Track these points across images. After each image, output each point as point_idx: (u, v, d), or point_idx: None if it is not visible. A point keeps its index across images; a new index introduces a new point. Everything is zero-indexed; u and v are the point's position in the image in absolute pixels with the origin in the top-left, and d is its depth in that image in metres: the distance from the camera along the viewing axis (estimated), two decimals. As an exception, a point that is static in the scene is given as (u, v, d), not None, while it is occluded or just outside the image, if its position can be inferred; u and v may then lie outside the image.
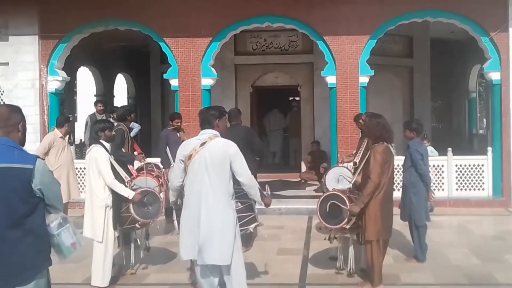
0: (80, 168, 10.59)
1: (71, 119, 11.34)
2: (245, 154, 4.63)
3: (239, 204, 4.61)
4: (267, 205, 4.91)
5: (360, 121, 7.64)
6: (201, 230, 4.31)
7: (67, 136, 8.49)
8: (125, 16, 10.83)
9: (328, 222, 5.74)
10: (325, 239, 6.38)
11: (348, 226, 5.62)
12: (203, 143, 4.42)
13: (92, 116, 11.68)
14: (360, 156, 7.59)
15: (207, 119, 4.58)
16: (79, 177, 10.56)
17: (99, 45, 15.17)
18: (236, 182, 4.52)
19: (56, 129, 8.40)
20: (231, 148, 4.43)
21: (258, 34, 13.65)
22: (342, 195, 5.68)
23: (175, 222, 4.93)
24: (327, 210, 5.71)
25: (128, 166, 6.75)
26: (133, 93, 18.97)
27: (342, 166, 7.60)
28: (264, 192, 4.91)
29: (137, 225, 6.00)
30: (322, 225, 5.96)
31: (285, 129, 16.12)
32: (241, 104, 13.68)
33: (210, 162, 4.36)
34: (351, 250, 6.14)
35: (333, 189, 6.37)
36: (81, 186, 10.34)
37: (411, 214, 6.73)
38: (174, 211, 4.97)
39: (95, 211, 5.72)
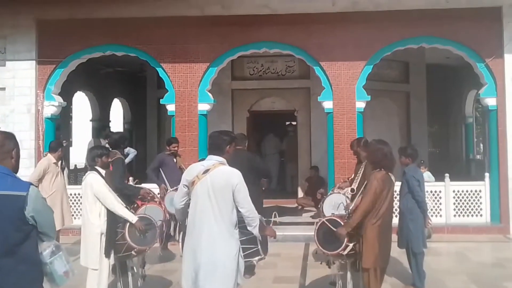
0: (75, 194, 10.51)
1: (64, 144, 11.29)
2: (249, 179, 4.54)
3: (243, 235, 4.47)
4: (270, 236, 4.69)
5: (358, 148, 7.62)
6: (201, 260, 4.20)
7: (60, 162, 8.40)
8: (123, 41, 10.88)
9: (326, 248, 5.68)
10: (321, 263, 6.31)
11: (345, 253, 5.56)
12: (207, 170, 4.31)
13: (96, 141, 11.66)
14: (357, 182, 7.54)
15: (219, 145, 4.44)
16: (73, 203, 10.48)
17: (95, 70, 15.23)
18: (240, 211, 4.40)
19: (49, 154, 8.27)
20: (234, 178, 4.29)
21: (255, 59, 13.71)
22: (339, 221, 5.63)
23: (180, 245, 4.80)
24: (325, 236, 5.66)
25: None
26: (129, 118, 18.97)
27: (339, 193, 7.53)
28: (272, 219, 4.73)
29: (133, 252, 5.88)
30: (319, 250, 5.89)
31: (281, 153, 16.07)
32: (238, 129, 13.65)
33: (212, 190, 4.25)
34: (348, 277, 6.05)
35: (332, 213, 6.32)
36: (75, 212, 10.28)
37: (409, 241, 6.67)
38: (180, 234, 4.83)
39: (90, 238, 5.64)
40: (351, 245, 5.49)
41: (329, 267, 6.35)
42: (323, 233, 5.68)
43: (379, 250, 5.41)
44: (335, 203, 7.05)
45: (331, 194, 7.77)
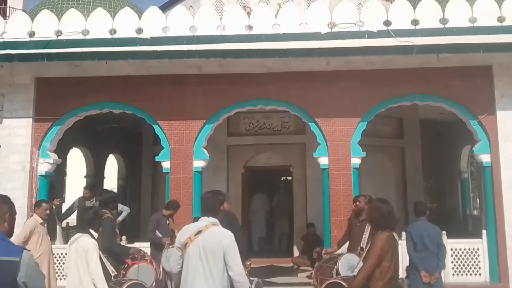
0: (61, 254, 10.25)
1: (58, 202, 11.12)
2: None
3: None
4: None
5: (357, 203, 7.72)
6: None
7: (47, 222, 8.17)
8: (120, 99, 10.97)
9: None
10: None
11: None
12: (199, 232, 4.30)
13: (80, 200, 11.47)
14: (365, 240, 7.57)
15: (213, 205, 4.51)
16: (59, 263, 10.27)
17: (91, 126, 15.25)
18: None
19: (35, 215, 7.96)
20: (225, 239, 4.28)
21: (251, 115, 13.82)
22: (343, 283, 5.58)
23: None
24: None
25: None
26: (124, 174, 18.77)
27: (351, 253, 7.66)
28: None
29: None
30: None
31: (270, 211, 15.78)
32: (233, 185, 13.61)
33: (203, 252, 4.22)
34: None
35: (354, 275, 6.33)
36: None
37: None
38: None
39: None
40: None
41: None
42: None
43: None
44: (350, 264, 7.07)
45: (347, 254, 7.87)
